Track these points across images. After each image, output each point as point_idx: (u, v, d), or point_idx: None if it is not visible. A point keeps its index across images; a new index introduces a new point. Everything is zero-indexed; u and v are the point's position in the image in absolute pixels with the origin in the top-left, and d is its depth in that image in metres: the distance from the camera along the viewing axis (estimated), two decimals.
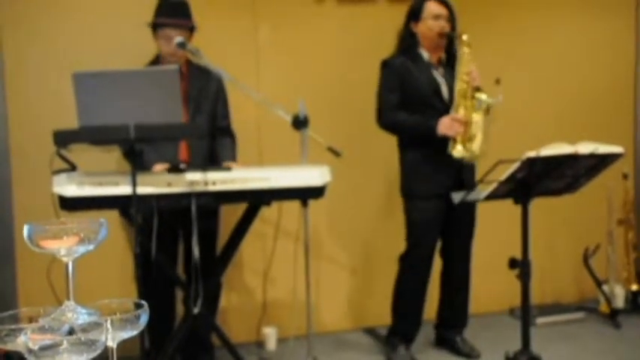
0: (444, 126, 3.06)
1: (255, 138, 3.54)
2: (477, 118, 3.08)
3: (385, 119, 3.22)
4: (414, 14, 3.19)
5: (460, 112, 3.09)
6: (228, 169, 2.79)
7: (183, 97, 2.94)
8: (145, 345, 2.65)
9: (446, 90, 3.16)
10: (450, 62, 3.22)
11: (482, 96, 3.06)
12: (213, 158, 3.11)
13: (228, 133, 3.19)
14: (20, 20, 3.26)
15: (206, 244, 2.94)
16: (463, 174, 3.16)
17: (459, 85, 3.11)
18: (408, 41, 3.21)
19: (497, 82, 3.00)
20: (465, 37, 3.10)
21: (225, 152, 3.11)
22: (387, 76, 3.21)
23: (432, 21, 3.14)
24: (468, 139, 3.08)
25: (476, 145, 3.08)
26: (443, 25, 3.14)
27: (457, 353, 3.35)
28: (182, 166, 2.72)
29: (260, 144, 3.56)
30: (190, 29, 3.03)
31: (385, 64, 3.23)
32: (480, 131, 3.09)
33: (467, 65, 3.09)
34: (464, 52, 3.10)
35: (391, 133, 3.25)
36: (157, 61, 3.06)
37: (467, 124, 3.06)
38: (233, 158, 3.10)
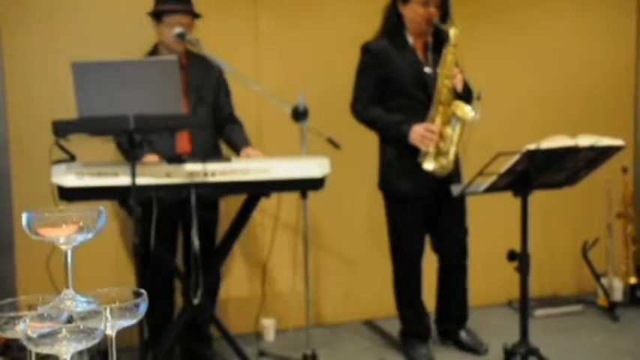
0: (417, 136, 2.90)
1: (255, 129, 3.53)
2: (452, 132, 2.92)
3: (357, 112, 3.07)
4: None
5: (436, 121, 2.92)
6: (229, 159, 2.78)
7: (184, 88, 2.93)
8: (144, 335, 2.66)
9: (430, 79, 2.98)
10: (437, 47, 3.00)
11: (458, 111, 2.88)
12: (216, 149, 3.10)
13: (234, 120, 3.17)
14: (19, 11, 3.25)
15: (206, 234, 2.94)
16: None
17: (439, 89, 2.93)
18: (392, 22, 3.01)
19: (479, 98, 2.87)
20: (452, 33, 2.90)
21: (238, 138, 3.08)
22: (364, 62, 3.03)
23: (419, 7, 2.94)
24: (439, 152, 2.93)
25: (448, 160, 2.95)
26: (432, 12, 2.93)
27: (462, 347, 3.29)
28: (184, 158, 2.71)
29: (260, 135, 3.55)
30: (193, 16, 3.00)
31: (363, 49, 3.05)
32: (454, 146, 2.94)
33: (450, 67, 2.91)
34: (448, 52, 2.91)
35: (364, 126, 3.11)
36: (156, 50, 3.04)
37: (441, 135, 2.90)
38: (248, 142, 3.07)
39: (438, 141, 2.92)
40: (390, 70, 3.00)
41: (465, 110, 2.89)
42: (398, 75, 3.00)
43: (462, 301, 3.36)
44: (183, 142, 3.02)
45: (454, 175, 3.06)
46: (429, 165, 2.96)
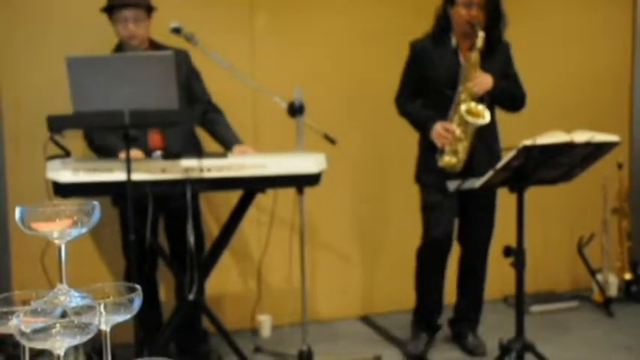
0: (435, 134, 3.01)
1: (250, 125, 3.52)
2: (461, 132, 2.98)
3: (397, 105, 3.21)
4: None
5: (454, 121, 3.00)
6: (225, 155, 2.76)
7: None
8: (139, 331, 2.65)
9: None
10: (488, 50, 3.03)
11: (463, 112, 2.94)
12: (193, 141, 3.03)
13: (215, 109, 3.10)
14: (11, 5, 3.23)
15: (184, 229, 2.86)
16: (473, 162, 3.03)
17: (460, 92, 2.99)
18: (441, 23, 3.10)
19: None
20: (480, 37, 2.95)
21: (227, 134, 3.02)
22: (408, 59, 3.17)
23: (462, 8, 2.99)
24: (454, 151, 3.00)
25: (458, 159, 3.01)
26: (474, 13, 2.98)
27: (465, 350, 3.26)
28: (156, 154, 2.67)
29: (256, 131, 3.55)
30: (147, 9, 2.89)
31: (410, 46, 3.17)
32: (462, 146, 2.99)
33: (472, 71, 2.97)
34: (472, 56, 2.97)
35: (403, 119, 3.20)
36: (120, 47, 2.94)
37: (457, 136, 2.97)
38: (238, 139, 3.01)
39: (452, 140, 2.98)
40: (427, 69, 3.11)
41: (474, 111, 2.95)
42: (434, 74, 3.09)
43: (475, 302, 3.32)
44: (154, 137, 2.94)
45: (483, 167, 2.97)
46: (441, 162, 3.03)
